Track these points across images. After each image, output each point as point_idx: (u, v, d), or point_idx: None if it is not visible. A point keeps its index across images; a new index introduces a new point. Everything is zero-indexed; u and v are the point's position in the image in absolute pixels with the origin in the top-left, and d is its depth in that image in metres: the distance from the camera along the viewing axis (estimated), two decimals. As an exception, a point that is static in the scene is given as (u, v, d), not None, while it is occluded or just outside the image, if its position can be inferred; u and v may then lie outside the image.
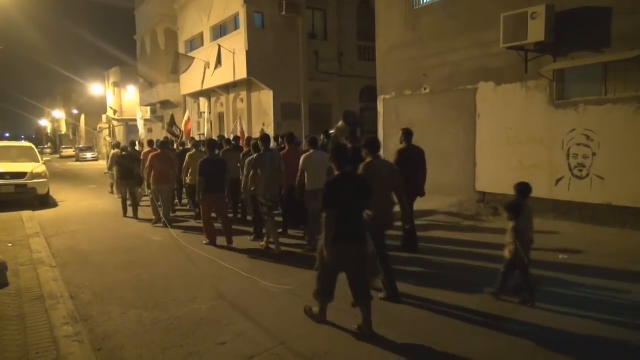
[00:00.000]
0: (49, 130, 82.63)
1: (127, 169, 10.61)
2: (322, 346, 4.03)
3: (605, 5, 7.74)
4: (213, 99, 21.55)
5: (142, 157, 10.83)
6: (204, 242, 7.88)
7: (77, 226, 9.78)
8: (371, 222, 4.59)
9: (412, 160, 6.79)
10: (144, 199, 11.79)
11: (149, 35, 29.11)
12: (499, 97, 9.53)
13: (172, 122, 16.42)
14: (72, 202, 13.63)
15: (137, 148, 12.47)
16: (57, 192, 15.11)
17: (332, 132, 8.21)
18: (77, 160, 41.18)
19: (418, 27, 11.44)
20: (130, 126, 37.47)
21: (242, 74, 17.39)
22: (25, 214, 11.08)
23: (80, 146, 46.90)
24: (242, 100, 19.43)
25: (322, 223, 4.33)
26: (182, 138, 14.64)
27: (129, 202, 10.66)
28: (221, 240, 7.75)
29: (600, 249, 6.79)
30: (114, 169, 11.59)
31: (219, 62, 17.39)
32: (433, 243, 7.48)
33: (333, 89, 18.54)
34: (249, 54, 16.98)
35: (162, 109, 28.29)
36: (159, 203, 9.54)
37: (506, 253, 5.00)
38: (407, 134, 6.95)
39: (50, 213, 11.68)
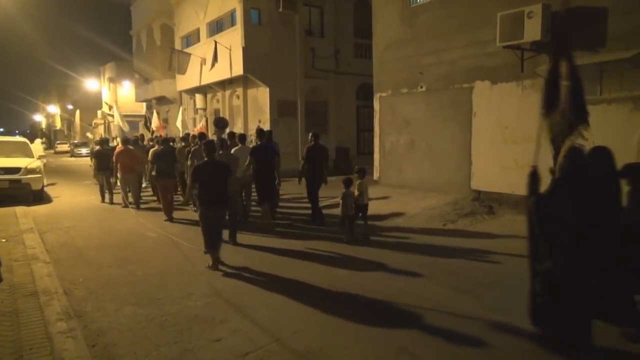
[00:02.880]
0: (43, 126, 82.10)
1: (104, 161, 12.16)
2: (317, 343, 4.04)
3: (600, 6, 7.77)
4: (209, 95, 21.47)
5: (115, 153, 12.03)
6: (165, 220, 9.54)
7: (72, 222, 9.74)
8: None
9: (316, 155, 9.01)
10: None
11: (144, 30, 28.94)
12: (494, 96, 9.55)
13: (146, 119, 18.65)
14: (66, 197, 13.56)
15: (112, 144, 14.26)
16: (52, 188, 15.06)
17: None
18: (71, 156, 40.94)
19: (415, 25, 11.45)
20: (128, 122, 37.29)
21: (238, 70, 17.33)
22: (19, 209, 11.03)
23: (75, 141, 46.64)
24: (238, 97, 19.37)
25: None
26: (153, 134, 15.65)
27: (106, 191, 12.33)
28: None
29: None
30: (93, 161, 13.05)
31: (216, 58, 17.33)
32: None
33: (329, 86, 18.51)
34: (245, 51, 16.92)
35: (157, 105, 28.16)
36: (128, 190, 11.38)
37: (340, 211, 7.63)
38: (315, 136, 9.24)
39: (45, 209, 11.62)
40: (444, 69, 10.63)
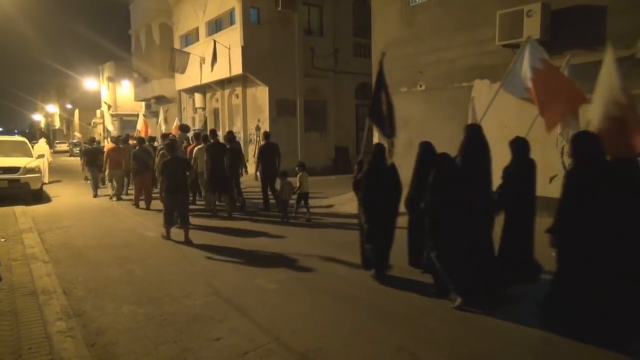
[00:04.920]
0: (42, 125, 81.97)
1: (93, 158, 13.67)
2: (316, 342, 4.04)
3: (600, 4, 7.76)
4: (208, 95, 21.47)
5: (104, 150, 13.37)
6: (132, 204, 11.37)
7: (71, 221, 9.73)
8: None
9: (268, 152, 10.35)
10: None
11: (143, 30, 28.92)
12: (493, 95, 9.53)
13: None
14: (65, 197, 13.56)
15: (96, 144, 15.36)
16: (51, 187, 15.05)
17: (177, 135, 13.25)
18: (70, 155, 40.87)
19: (414, 24, 11.44)
20: (124, 121, 37.26)
21: (237, 69, 17.32)
22: (19, 208, 11.02)
23: (74, 141, 46.54)
24: (237, 96, 19.37)
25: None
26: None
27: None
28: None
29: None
30: (83, 158, 14.52)
31: (215, 59, 17.31)
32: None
33: (328, 85, 18.51)
34: (244, 50, 16.91)
35: (156, 104, 28.13)
36: (114, 184, 12.71)
37: (280, 196, 9.54)
38: (266, 135, 10.81)
39: (44, 208, 11.62)
40: (443, 68, 10.62)
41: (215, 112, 21.29)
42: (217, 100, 20.97)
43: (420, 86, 11.31)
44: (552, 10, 8.23)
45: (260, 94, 17.94)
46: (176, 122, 18.24)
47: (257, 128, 18.06)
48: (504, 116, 9.32)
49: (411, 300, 5.00)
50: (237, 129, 19.02)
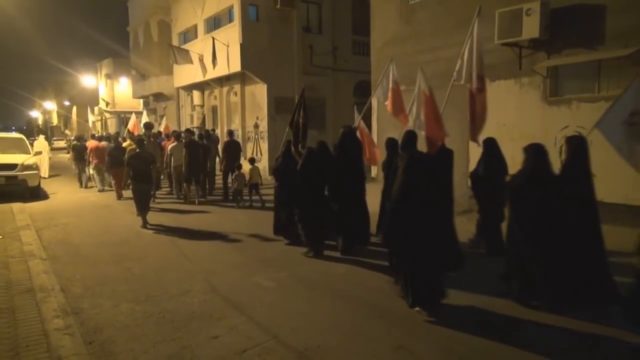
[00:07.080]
0: (40, 122, 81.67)
1: (81, 153, 14.75)
2: (315, 340, 4.04)
3: (599, 3, 7.76)
4: (206, 92, 21.40)
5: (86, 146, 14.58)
6: (121, 198, 12.18)
7: (68, 219, 9.71)
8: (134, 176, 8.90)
9: (231, 148, 11.84)
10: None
11: (142, 26, 28.78)
12: (492, 93, 9.50)
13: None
14: (63, 194, 13.53)
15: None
16: (48, 184, 15.01)
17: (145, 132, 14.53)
18: (68, 152, 40.76)
19: (413, 22, 11.42)
20: (122, 118, 37.17)
21: (235, 67, 17.26)
22: (16, 205, 10.99)
23: (71, 138, 46.36)
24: (235, 94, 19.31)
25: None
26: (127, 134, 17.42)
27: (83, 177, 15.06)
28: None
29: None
30: (71, 154, 15.80)
31: (215, 57, 17.25)
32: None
33: (327, 83, 18.45)
34: (243, 47, 16.85)
35: (155, 102, 28.06)
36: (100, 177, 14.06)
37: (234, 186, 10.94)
38: (230, 133, 12.66)
39: (41, 205, 11.59)
40: (442, 66, 10.60)
41: (214, 110, 21.23)
42: (215, 98, 20.91)
43: (419, 84, 11.28)
44: (551, 9, 8.23)
45: (259, 92, 17.89)
46: (165, 123, 18.80)
47: (256, 126, 18.03)
48: (503, 115, 9.34)
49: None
50: (236, 126, 19.00)
